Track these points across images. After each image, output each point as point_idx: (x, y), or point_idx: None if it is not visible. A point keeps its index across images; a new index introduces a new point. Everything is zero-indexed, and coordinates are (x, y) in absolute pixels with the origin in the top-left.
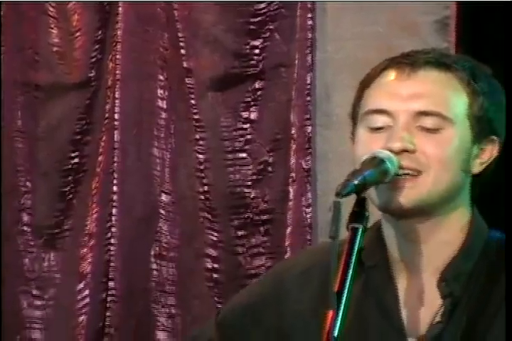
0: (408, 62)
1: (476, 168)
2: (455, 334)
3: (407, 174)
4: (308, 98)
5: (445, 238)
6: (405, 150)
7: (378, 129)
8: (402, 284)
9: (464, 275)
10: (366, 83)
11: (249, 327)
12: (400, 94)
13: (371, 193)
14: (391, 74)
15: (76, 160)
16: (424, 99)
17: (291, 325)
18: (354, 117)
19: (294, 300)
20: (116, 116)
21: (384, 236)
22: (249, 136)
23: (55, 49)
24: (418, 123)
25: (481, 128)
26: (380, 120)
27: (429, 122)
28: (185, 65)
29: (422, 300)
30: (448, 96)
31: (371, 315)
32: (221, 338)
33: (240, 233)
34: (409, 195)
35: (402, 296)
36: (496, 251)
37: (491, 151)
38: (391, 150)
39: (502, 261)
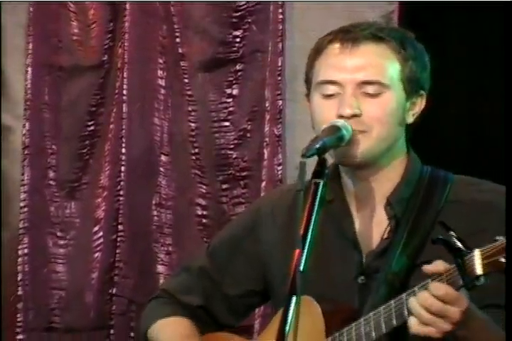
0: (349, 37)
1: (410, 118)
2: (398, 247)
3: (357, 131)
4: (279, 78)
5: (388, 175)
6: (354, 115)
7: (330, 96)
8: (355, 211)
9: (404, 200)
10: (316, 54)
11: (234, 254)
12: (346, 67)
13: (330, 151)
14: (336, 49)
15: (92, 127)
16: (366, 70)
17: (266, 252)
18: (308, 82)
19: (267, 230)
20: (124, 92)
21: (341, 177)
22: (231, 109)
23: (74, 38)
24: (362, 90)
25: (412, 87)
26: (331, 89)
27: (371, 89)
28: (179, 50)
29: (372, 222)
30: (384, 65)
31: (332, 237)
32: (211, 265)
33: (224, 186)
34: (359, 151)
35: (356, 220)
36: (427, 180)
37: (420, 103)
38: (342, 116)
39: (432, 187)
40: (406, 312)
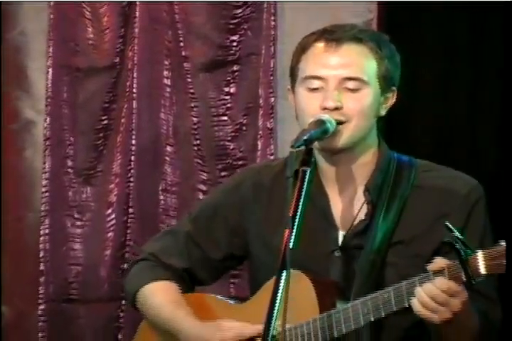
0: (334, 38)
1: (382, 111)
2: (376, 228)
3: (339, 123)
4: (272, 77)
5: (363, 161)
6: (336, 108)
7: (314, 89)
8: (333, 194)
9: (378, 187)
10: (301, 51)
11: (216, 221)
12: (330, 64)
13: (316, 144)
14: (321, 47)
15: (105, 121)
16: (348, 67)
17: (246, 220)
18: (293, 76)
19: (248, 201)
20: (134, 90)
21: (317, 162)
22: (229, 105)
23: (90, 42)
24: (344, 85)
25: (386, 83)
26: (316, 83)
27: (351, 84)
28: (183, 53)
29: (347, 203)
30: (364, 63)
31: (310, 215)
32: (195, 230)
33: (222, 173)
34: (340, 139)
35: (332, 200)
36: (396, 166)
37: (392, 98)
38: (326, 108)
39: (399, 173)
40: (406, 299)
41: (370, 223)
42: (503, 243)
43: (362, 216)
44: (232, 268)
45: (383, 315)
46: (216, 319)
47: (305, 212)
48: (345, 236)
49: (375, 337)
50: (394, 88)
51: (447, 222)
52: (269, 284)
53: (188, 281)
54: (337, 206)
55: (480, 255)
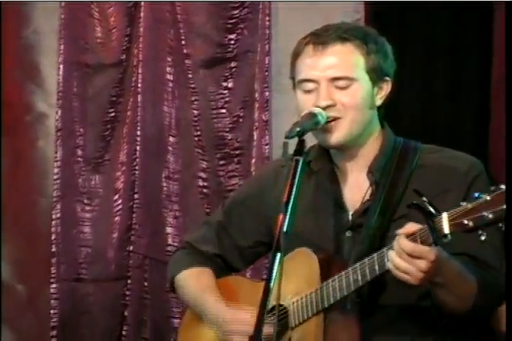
0: (320, 41)
1: (378, 101)
2: (378, 207)
3: (333, 120)
4: (266, 73)
5: (367, 150)
6: (329, 106)
7: (309, 91)
8: (341, 178)
9: (381, 168)
10: (295, 55)
11: (244, 212)
12: (318, 66)
13: (317, 136)
14: (310, 51)
15: (112, 114)
16: (334, 68)
17: (270, 209)
18: (293, 79)
19: (270, 192)
20: (139, 85)
21: (330, 152)
22: (227, 98)
23: (98, 40)
24: (334, 84)
25: (376, 75)
26: (309, 85)
27: (341, 83)
28: (184, 51)
29: (355, 187)
30: (350, 61)
31: (322, 200)
32: (226, 220)
33: (221, 162)
34: (336, 135)
35: (343, 184)
36: (400, 150)
37: (386, 88)
38: (320, 107)
39: (404, 156)
40: (387, 263)
41: (372, 202)
42: (464, 203)
43: (367, 197)
44: (262, 255)
45: (369, 279)
46: (241, 299)
47: (317, 198)
48: (353, 216)
49: (373, 297)
50: (387, 78)
51: (415, 188)
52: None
53: (223, 266)
54: (347, 190)
55: (444, 216)
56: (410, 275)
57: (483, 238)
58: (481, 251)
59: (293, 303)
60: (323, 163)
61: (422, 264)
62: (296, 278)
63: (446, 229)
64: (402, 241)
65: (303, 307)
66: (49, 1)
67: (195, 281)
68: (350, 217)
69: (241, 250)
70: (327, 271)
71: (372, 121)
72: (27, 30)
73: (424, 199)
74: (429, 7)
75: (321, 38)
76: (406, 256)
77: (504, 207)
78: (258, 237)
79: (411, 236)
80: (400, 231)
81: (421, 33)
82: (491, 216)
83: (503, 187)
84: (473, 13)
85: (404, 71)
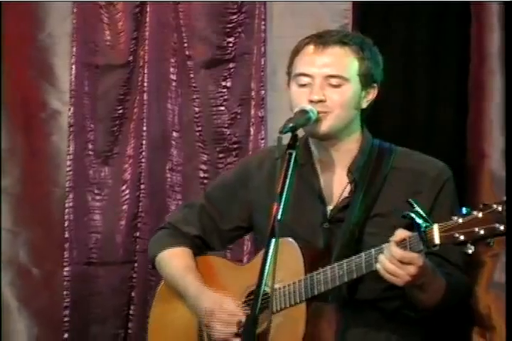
0: (321, 41)
1: (364, 104)
2: (357, 204)
3: (321, 114)
4: (262, 73)
5: (347, 147)
6: (320, 101)
7: (303, 85)
8: (322, 174)
9: (360, 168)
10: (295, 52)
11: (227, 197)
12: (316, 63)
13: (305, 128)
14: (310, 49)
15: (120, 111)
16: (331, 66)
17: (253, 196)
18: (288, 74)
19: (254, 180)
20: (145, 84)
21: (310, 146)
22: (226, 97)
23: (107, 43)
24: (327, 81)
25: (366, 80)
26: (304, 80)
27: (334, 81)
28: (187, 53)
29: (334, 183)
30: (346, 63)
31: (304, 192)
32: (209, 205)
33: (220, 155)
34: (323, 126)
35: (323, 182)
36: (377, 151)
37: (373, 93)
38: (312, 101)
39: (380, 157)
40: (374, 264)
41: (352, 200)
42: (455, 218)
43: (346, 194)
44: (239, 237)
45: (355, 276)
46: (222, 280)
47: (299, 190)
48: (332, 211)
49: (351, 295)
50: (375, 84)
51: (410, 199)
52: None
53: (201, 246)
54: (326, 185)
55: (435, 228)
56: (399, 277)
57: (470, 251)
58: (453, 254)
59: (278, 289)
60: (306, 157)
61: (411, 269)
62: (279, 266)
63: (437, 240)
64: (393, 249)
65: (285, 295)
66: (64, 1)
67: (176, 261)
68: (328, 211)
69: (221, 233)
70: (310, 260)
71: (355, 121)
72: (42, 34)
73: (417, 210)
74: (410, 10)
75: (323, 39)
76: (396, 261)
77: (496, 225)
78: (238, 222)
79: (401, 243)
80: (391, 238)
81: (402, 36)
82: (482, 232)
83: (494, 206)
84: (452, 16)
85: (387, 71)
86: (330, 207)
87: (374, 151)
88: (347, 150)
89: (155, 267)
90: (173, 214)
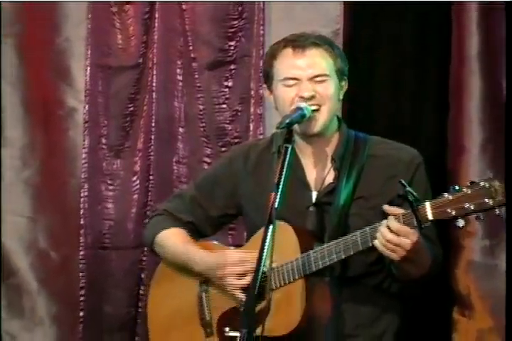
0: (299, 44)
1: (341, 96)
2: (341, 188)
3: (315, 110)
4: (261, 74)
5: (330, 139)
6: (311, 96)
7: (290, 86)
8: (308, 164)
9: (341, 156)
10: (273, 55)
11: (215, 187)
12: (300, 65)
13: (300, 125)
14: (290, 53)
15: (131, 108)
16: (313, 67)
17: (239, 185)
18: (268, 76)
19: (240, 170)
20: (153, 84)
21: (296, 141)
22: (227, 95)
23: (119, 46)
24: (313, 79)
25: (340, 75)
26: (291, 82)
27: (319, 78)
28: (192, 55)
29: (319, 171)
30: (324, 62)
31: (291, 182)
32: (199, 194)
33: (222, 149)
34: (317, 124)
35: (308, 170)
36: (354, 141)
37: (345, 86)
38: (303, 97)
39: (357, 146)
40: (369, 241)
41: (336, 185)
42: (445, 195)
43: (330, 179)
44: (228, 223)
45: (352, 253)
46: None
47: (287, 178)
48: (317, 195)
49: (344, 271)
50: (345, 78)
51: (401, 180)
52: (258, 235)
53: (195, 232)
54: (310, 173)
55: (427, 204)
56: (395, 252)
57: (461, 225)
58: (431, 231)
59: (273, 269)
60: (293, 150)
61: (408, 243)
62: (276, 247)
63: (430, 216)
64: (390, 222)
65: (284, 273)
66: (78, 13)
67: (176, 237)
68: (314, 195)
69: (211, 219)
70: (303, 239)
71: (336, 113)
72: (59, 39)
73: (409, 189)
74: (396, 10)
75: (299, 42)
76: (394, 236)
77: (486, 200)
78: (226, 210)
79: (396, 218)
80: (389, 208)
81: (392, 36)
82: (472, 207)
83: (482, 183)
84: (434, 16)
85: (375, 70)
86: (315, 192)
87: (351, 141)
88: (329, 142)
89: (153, 250)
90: (166, 203)
